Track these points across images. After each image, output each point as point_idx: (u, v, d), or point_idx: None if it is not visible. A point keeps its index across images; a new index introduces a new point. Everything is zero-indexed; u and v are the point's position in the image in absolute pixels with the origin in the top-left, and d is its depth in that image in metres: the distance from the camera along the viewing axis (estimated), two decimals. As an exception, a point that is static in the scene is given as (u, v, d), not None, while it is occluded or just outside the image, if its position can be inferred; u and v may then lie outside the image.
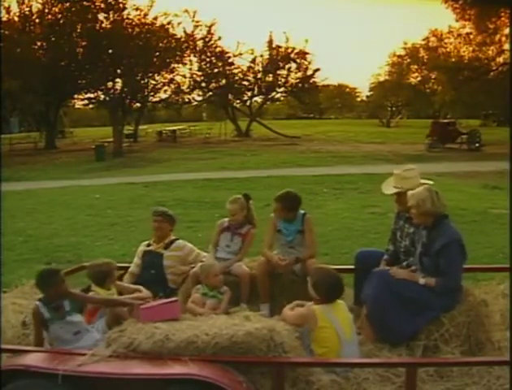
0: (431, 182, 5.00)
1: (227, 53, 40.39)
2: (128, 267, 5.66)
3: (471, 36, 36.18)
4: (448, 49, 42.34)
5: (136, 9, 33.16)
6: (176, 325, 3.86)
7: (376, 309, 4.45)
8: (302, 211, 5.58)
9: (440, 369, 4.00)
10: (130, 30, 32.59)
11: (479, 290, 4.84)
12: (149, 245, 5.67)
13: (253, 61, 41.53)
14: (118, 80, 33.51)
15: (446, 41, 43.60)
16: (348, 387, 3.82)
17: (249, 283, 5.31)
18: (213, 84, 41.19)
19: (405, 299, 4.39)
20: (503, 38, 33.93)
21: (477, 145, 28.44)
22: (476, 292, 4.64)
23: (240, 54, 40.87)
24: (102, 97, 34.45)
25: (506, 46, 33.62)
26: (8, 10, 31.88)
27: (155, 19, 33.93)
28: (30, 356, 3.85)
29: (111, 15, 32.23)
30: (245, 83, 42.52)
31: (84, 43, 31.94)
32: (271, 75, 42.08)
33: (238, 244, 5.62)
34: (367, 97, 74.02)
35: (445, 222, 4.51)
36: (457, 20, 34.52)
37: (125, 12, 32.83)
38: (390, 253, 5.14)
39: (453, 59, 37.74)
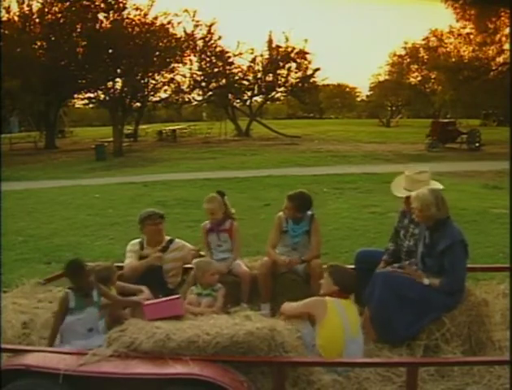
0: (440, 186, 4.97)
1: (227, 52, 40.36)
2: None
3: (471, 36, 36.12)
4: (448, 49, 42.21)
5: (136, 9, 33.18)
6: (177, 324, 3.87)
7: (381, 311, 4.44)
8: (310, 212, 5.58)
9: (441, 368, 4.00)
10: (130, 30, 32.54)
11: (479, 290, 4.84)
12: (141, 247, 5.53)
13: (253, 60, 41.53)
14: (118, 79, 33.48)
15: (446, 40, 43.51)
16: (349, 386, 3.83)
17: (250, 282, 5.31)
18: (213, 84, 41.16)
19: (408, 300, 4.38)
20: (503, 38, 33.88)
21: (477, 144, 28.41)
22: (477, 292, 4.64)
23: (240, 53, 40.92)
24: (102, 96, 34.43)
25: (506, 46, 33.58)
26: (8, 10, 31.88)
27: (155, 18, 33.91)
28: (31, 355, 3.84)
29: (111, 15, 32.19)
30: (245, 82, 42.50)
31: (84, 43, 31.86)
32: (271, 74, 42.06)
33: (227, 240, 5.61)
34: (367, 96, 73.89)
35: (448, 222, 4.49)
36: (457, 20, 34.49)
37: (125, 12, 32.81)
38: (390, 252, 5.13)
39: (453, 59, 37.64)
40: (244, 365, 3.67)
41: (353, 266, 5.44)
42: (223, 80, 41.05)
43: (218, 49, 40.02)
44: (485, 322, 4.38)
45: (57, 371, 3.58)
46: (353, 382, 3.86)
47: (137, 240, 5.64)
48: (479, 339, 4.31)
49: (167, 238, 5.57)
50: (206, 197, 5.68)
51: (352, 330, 4.12)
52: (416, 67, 55.31)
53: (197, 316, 4.21)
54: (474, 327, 4.31)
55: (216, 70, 40.40)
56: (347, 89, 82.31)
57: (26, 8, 32.38)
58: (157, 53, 33.21)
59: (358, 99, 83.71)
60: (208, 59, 40.13)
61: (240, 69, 41.78)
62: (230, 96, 42.45)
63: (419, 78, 56.89)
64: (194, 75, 40.54)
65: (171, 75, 37.94)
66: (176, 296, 4.31)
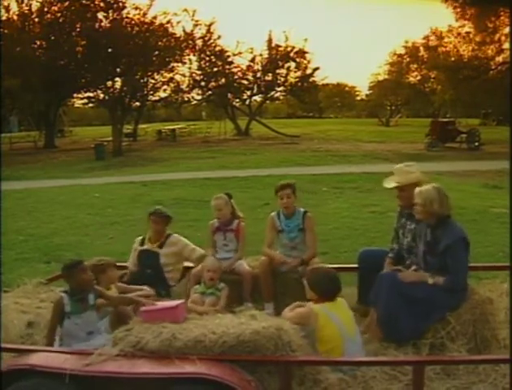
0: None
1: (226, 52, 40.30)
2: (128, 266, 5.70)
3: (471, 36, 36.16)
4: (447, 49, 42.26)
5: (136, 8, 33.03)
6: (183, 324, 3.86)
7: (389, 313, 4.43)
8: (303, 209, 5.61)
9: (447, 367, 3.99)
10: (129, 29, 32.43)
11: (483, 288, 4.84)
12: (143, 242, 5.70)
13: (253, 60, 41.46)
14: (117, 79, 33.37)
15: (446, 40, 43.54)
16: (355, 385, 3.82)
17: (251, 281, 5.34)
18: (212, 83, 41.10)
19: (414, 300, 4.38)
20: (502, 37, 33.95)
21: (476, 144, 28.41)
22: (481, 291, 4.64)
23: (240, 53, 40.83)
24: (102, 96, 34.35)
25: (506, 45, 33.62)
26: (8, 9, 31.80)
27: (155, 18, 33.78)
28: (36, 355, 3.81)
29: (111, 14, 32.07)
30: (245, 82, 42.45)
31: (83, 42, 31.76)
32: (270, 74, 42.00)
33: (233, 240, 5.67)
34: (367, 96, 73.94)
35: (449, 221, 4.51)
36: (456, 20, 34.53)
37: (124, 11, 32.67)
38: (395, 251, 5.15)
39: (453, 58, 37.67)
40: (250, 364, 3.65)
41: (356, 266, 5.47)
42: (223, 80, 41.00)
43: (217, 48, 39.97)
44: (490, 320, 4.38)
45: (63, 371, 3.54)
46: (360, 381, 3.85)
47: (140, 237, 5.81)
48: (484, 337, 4.30)
49: (166, 233, 5.69)
50: (213, 196, 5.78)
51: (348, 330, 4.11)
52: (416, 66, 55.37)
53: (201, 315, 4.20)
54: (479, 326, 4.31)
55: (215, 69, 40.34)
56: (346, 89, 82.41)
57: (25, 7, 32.31)
58: (156, 52, 33.12)
59: (358, 98, 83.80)
60: (207, 59, 40.07)
61: (239, 68, 41.72)
62: (229, 95, 42.41)
63: (419, 77, 56.95)
64: (194, 75, 40.49)
65: (171, 75, 37.87)
66: (179, 301, 4.20)
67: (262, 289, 5.33)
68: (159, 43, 33.37)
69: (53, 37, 32.01)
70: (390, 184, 5.12)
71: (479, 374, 3.91)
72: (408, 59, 56.35)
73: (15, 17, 32.40)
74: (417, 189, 4.62)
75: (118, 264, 5.71)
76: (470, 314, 4.32)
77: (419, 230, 4.75)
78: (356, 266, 5.48)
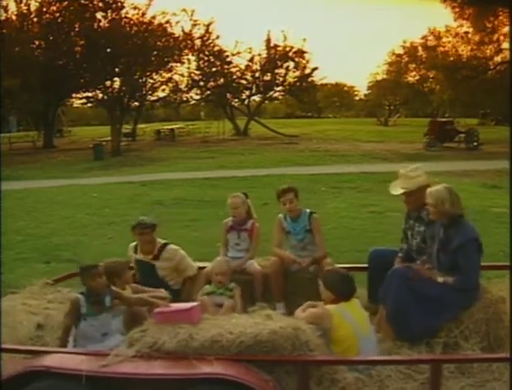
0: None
1: (225, 52, 40.29)
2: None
3: (469, 36, 36.17)
4: (446, 48, 42.24)
5: (134, 8, 33.01)
6: (200, 324, 3.83)
7: (397, 310, 4.44)
8: (308, 210, 5.63)
9: (462, 365, 4.00)
10: (128, 29, 32.40)
11: (494, 287, 4.83)
12: (136, 250, 5.44)
13: (252, 60, 41.42)
14: (116, 78, 33.37)
15: (444, 40, 43.53)
16: (371, 384, 3.81)
17: (262, 281, 5.36)
18: (211, 83, 41.11)
19: (424, 298, 4.40)
20: (501, 37, 33.98)
21: (475, 143, 28.41)
22: (494, 290, 4.65)
23: (239, 52, 40.80)
24: (101, 95, 34.31)
25: (504, 45, 33.67)
26: (6, 9, 31.77)
27: (153, 18, 33.78)
28: (51, 357, 3.76)
29: (109, 14, 32.05)
30: (243, 82, 42.43)
31: (82, 42, 31.72)
32: (269, 73, 41.97)
33: (246, 240, 5.68)
34: (365, 95, 74.03)
35: (462, 220, 4.54)
36: (455, 19, 34.54)
37: (123, 11, 32.64)
38: (404, 250, 5.16)
39: (452, 58, 37.66)
40: (268, 364, 3.63)
41: (364, 265, 5.48)
42: (221, 80, 41.00)
43: (216, 48, 39.97)
44: (503, 319, 4.38)
45: (79, 372, 3.51)
46: (375, 380, 3.84)
47: (133, 244, 5.56)
48: (497, 335, 4.31)
49: (161, 242, 5.39)
50: (231, 194, 5.80)
51: (362, 328, 4.11)
52: (414, 66, 55.38)
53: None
54: (492, 324, 4.32)
55: (214, 69, 40.33)
56: (345, 88, 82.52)
57: (24, 7, 32.27)
58: (155, 52, 33.10)
59: (356, 98, 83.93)
60: (206, 58, 40.06)
61: (238, 68, 41.69)
62: (228, 95, 42.40)
63: (417, 77, 56.97)
64: (192, 75, 40.48)
65: (170, 75, 37.84)
66: (193, 303, 4.12)
67: (273, 289, 5.35)
68: (158, 43, 33.37)
69: (51, 37, 31.98)
70: (397, 190, 5.07)
71: (493, 372, 3.92)
72: (406, 59, 56.37)
73: (14, 17, 32.38)
74: (428, 190, 4.63)
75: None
76: (483, 313, 4.33)
77: (432, 231, 4.76)
78: (364, 265, 5.50)
